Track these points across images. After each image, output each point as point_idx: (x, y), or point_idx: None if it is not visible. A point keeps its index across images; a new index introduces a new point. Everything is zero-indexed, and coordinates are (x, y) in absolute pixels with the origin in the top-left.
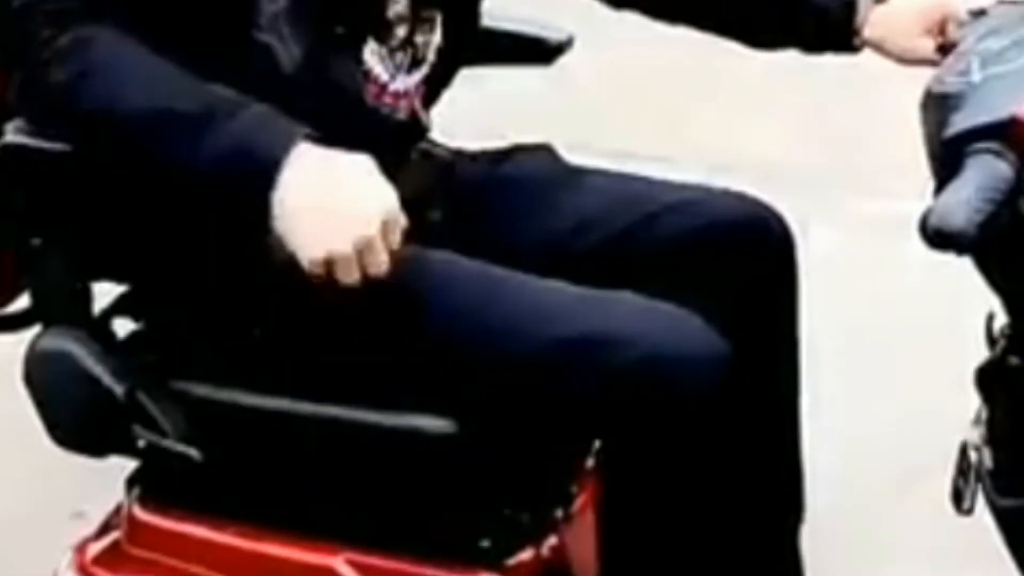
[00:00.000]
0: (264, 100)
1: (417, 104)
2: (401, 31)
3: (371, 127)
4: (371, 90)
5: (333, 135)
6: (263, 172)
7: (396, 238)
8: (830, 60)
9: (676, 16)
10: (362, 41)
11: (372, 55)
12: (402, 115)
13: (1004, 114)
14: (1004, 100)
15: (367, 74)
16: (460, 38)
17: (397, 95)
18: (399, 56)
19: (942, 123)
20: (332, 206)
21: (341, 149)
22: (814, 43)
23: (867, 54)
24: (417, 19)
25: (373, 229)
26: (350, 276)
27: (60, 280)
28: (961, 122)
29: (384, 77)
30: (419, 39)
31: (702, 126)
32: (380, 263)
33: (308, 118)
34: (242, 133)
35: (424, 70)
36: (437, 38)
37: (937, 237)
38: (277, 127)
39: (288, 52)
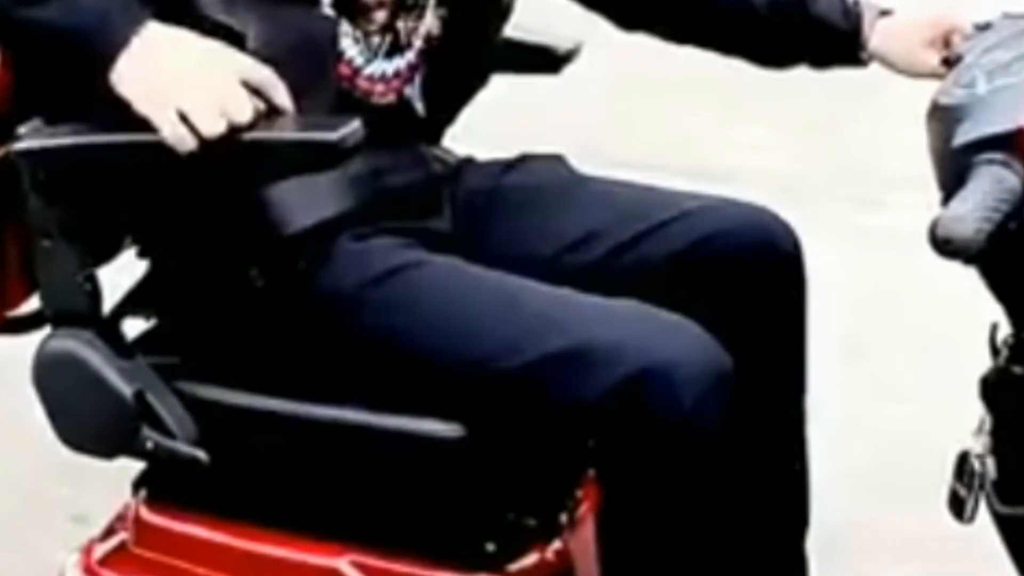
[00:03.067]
0: None
1: (409, 91)
2: (380, 16)
3: (342, 109)
4: (342, 71)
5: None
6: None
7: (274, 94)
8: (834, 72)
9: (685, 37)
10: (336, 23)
11: (345, 36)
12: (380, 100)
13: (1011, 125)
14: (1010, 112)
15: (339, 56)
16: (464, 27)
17: (372, 79)
18: (375, 40)
19: (949, 134)
20: (178, 65)
21: None
22: (821, 58)
23: (872, 66)
24: (400, 5)
25: (224, 78)
26: (210, 125)
27: (69, 282)
28: (968, 133)
29: (358, 60)
30: (400, 25)
31: (701, 136)
32: (241, 108)
33: None
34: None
35: (408, 56)
36: (426, 25)
37: (946, 246)
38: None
39: (248, 29)
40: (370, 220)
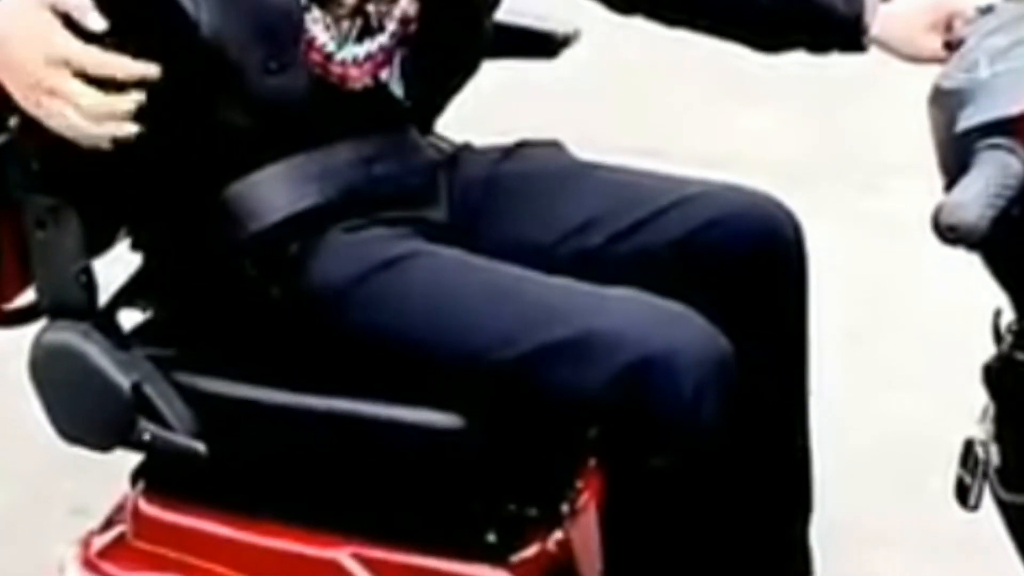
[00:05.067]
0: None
1: (385, 74)
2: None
3: (318, 95)
4: (314, 58)
5: (275, 103)
6: None
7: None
8: (834, 57)
9: (681, 21)
10: (305, 9)
11: (315, 23)
12: (356, 84)
13: (1013, 110)
14: (1013, 96)
15: (310, 42)
16: (443, 9)
17: (345, 64)
18: (345, 25)
19: (951, 119)
20: None
21: (284, 116)
22: (821, 43)
23: (872, 50)
24: None
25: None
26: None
27: (65, 274)
28: (970, 118)
29: (330, 46)
30: (371, 8)
31: (701, 122)
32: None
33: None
34: None
35: (380, 39)
36: (400, 7)
37: (949, 233)
38: None
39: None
40: (363, 211)
